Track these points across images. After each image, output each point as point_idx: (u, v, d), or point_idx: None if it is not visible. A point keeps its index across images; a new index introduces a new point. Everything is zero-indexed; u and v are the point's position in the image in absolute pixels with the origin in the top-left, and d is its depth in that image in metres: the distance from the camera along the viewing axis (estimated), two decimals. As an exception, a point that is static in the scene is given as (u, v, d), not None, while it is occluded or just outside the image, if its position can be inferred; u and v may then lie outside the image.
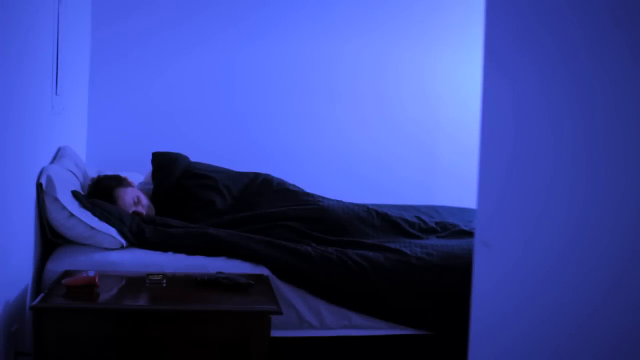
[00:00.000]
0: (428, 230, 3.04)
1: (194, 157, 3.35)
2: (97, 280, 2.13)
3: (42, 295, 2.10)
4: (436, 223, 3.13)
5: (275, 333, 2.35)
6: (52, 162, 2.77)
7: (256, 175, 3.27)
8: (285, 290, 2.52)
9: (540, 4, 0.95)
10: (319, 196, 3.22)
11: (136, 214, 2.84)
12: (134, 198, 2.89)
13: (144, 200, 2.94)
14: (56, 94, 2.79)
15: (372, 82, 4.28)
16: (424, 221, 3.12)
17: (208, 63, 4.09)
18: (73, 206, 2.53)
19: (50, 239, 2.57)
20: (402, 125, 4.31)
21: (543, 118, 0.94)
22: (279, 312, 2.06)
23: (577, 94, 0.89)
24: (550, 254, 0.98)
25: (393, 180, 4.29)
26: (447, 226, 3.10)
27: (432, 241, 2.86)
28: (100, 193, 2.84)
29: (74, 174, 2.80)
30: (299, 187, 3.27)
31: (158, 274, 2.30)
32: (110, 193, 2.85)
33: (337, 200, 3.20)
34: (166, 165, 3.14)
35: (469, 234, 2.97)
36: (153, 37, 4.01)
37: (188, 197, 3.02)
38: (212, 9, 4.08)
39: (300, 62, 4.19)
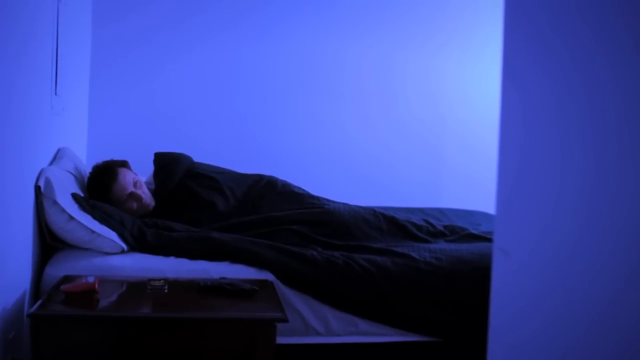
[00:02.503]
0: (436, 234, 2.98)
1: (196, 158, 3.28)
2: (96, 286, 2.07)
3: (39, 301, 2.04)
4: (444, 227, 3.06)
5: (280, 340, 2.28)
6: (50, 163, 2.70)
7: (260, 177, 3.21)
8: (290, 296, 2.45)
9: (557, 18, 0.95)
10: (324, 199, 3.15)
11: (134, 196, 2.80)
12: (135, 180, 2.86)
13: (145, 189, 2.90)
14: (55, 94, 2.73)
15: (377, 83, 4.23)
16: (432, 224, 3.05)
17: (210, 62, 4.03)
18: (73, 209, 2.46)
19: (50, 242, 2.51)
20: (408, 127, 4.25)
21: (559, 123, 0.94)
22: (285, 320, 1.99)
23: (588, 101, 0.88)
24: (568, 261, 0.95)
25: (399, 182, 4.22)
26: (456, 230, 3.03)
27: (441, 245, 2.79)
28: (103, 170, 2.83)
29: (73, 175, 2.74)
30: (303, 190, 3.21)
31: (160, 280, 2.23)
32: (113, 168, 2.84)
33: (343, 203, 3.13)
34: (168, 165, 3.09)
35: (479, 237, 2.90)
36: (155, 36, 3.95)
37: (190, 197, 2.97)
38: (215, 8, 4.02)
39: (304, 62, 4.13)
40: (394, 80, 4.23)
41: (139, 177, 2.95)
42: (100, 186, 2.79)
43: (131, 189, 2.82)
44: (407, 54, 4.21)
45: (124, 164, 2.93)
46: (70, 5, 2.99)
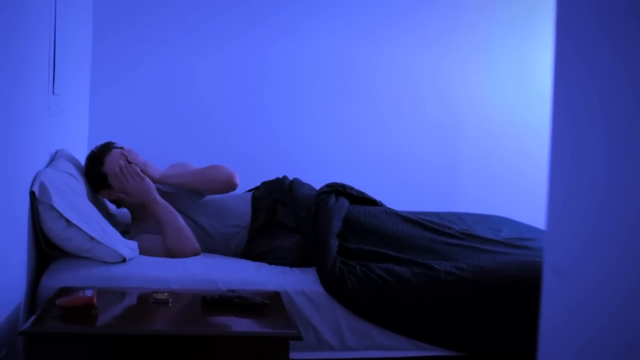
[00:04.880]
0: (455, 236, 2.82)
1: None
2: (94, 300, 1.91)
3: (33, 317, 1.88)
4: (463, 232, 2.91)
5: (291, 355, 2.12)
6: (47, 166, 2.54)
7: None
8: (302, 309, 2.30)
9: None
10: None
11: (126, 169, 2.68)
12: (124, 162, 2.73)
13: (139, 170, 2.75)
14: (53, 93, 2.58)
15: (392, 85, 4.10)
16: (448, 227, 2.91)
17: (215, 62, 3.90)
18: (71, 214, 2.29)
19: (46, 251, 2.35)
20: (425, 130, 4.12)
21: (613, 133, 0.90)
22: (300, 338, 1.84)
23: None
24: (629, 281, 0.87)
25: (414, 184, 4.09)
26: (476, 236, 2.87)
27: (462, 254, 2.63)
28: (99, 148, 2.76)
29: (72, 176, 2.57)
30: (314, 188, 3.06)
31: (163, 292, 2.08)
32: (109, 148, 2.75)
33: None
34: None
35: (501, 243, 2.75)
36: (158, 34, 3.81)
37: None
38: (220, 6, 3.87)
39: (314, 62, 4.01)
40: (409, 83, 4.11)
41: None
42: (95, 160, 2.73)
43: (124, 162, 2.71)
44: (426, 58, 4.09)
45: (121, 148, 2.82)
46: (69, 2, 2.84)
